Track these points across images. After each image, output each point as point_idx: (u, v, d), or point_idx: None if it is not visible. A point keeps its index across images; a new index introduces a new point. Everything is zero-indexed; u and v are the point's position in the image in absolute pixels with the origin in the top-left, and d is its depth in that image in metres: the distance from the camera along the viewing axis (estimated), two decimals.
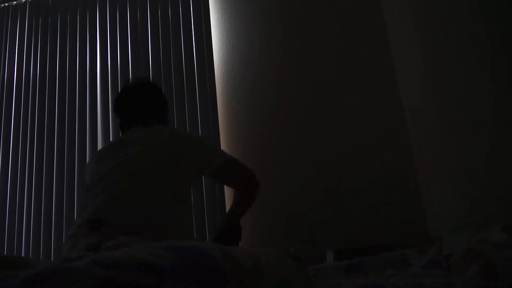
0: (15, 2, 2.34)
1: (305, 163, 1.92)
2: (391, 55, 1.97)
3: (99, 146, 2.06)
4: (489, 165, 1.15)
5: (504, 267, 0.50)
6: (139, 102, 1.31)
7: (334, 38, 2.06)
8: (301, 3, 2.11)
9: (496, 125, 1.09)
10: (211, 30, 2.12)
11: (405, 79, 1.84)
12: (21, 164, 2.10)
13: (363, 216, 1.80)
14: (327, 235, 1.73)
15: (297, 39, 2.08)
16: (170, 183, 1.09)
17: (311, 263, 1.16)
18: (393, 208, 1.79)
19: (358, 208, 1.81)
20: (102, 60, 2.17)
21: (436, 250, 0.88)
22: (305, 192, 1.87)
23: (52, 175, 2.04)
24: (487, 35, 1.10)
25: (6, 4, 2.35)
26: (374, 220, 1.78)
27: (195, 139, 1.27)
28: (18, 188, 2.06)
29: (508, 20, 1.00)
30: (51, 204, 2.00)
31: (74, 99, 2.13)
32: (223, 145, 1.98)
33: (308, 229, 1.80)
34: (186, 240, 0.65)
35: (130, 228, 0.94)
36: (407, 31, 1.75)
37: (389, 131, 1.90)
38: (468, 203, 1.30)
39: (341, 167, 1.89)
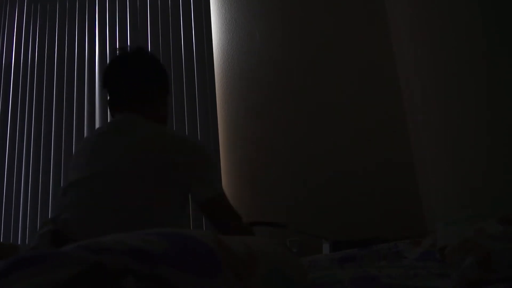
0: None
1: (303, 156, 1.91)
2: (392, 53, 1.96)
3: None
4: (487, 162, 1.15)
5: (500, 259, 0.50)
6: (133, 76, 1.04)
7: (334, 32, 2.04)
8: None
9: (494, 123, 1.09)
10: (211, 21, 2.10)
11: (406, 76, 1.83)
12: (18, 151, 2.08)
13: (361, 209, 1.80)
14: (324, 227, 1.73)
15: (297, 32, 2.06)
16: (156, 200, 0.91)
17: (307, 254, 1.16)
18: (390, 202, 1.79)
19: (355, 200, 1.82)
20: (100, 47, 2.15)
21: (430, 242, 0.88)
22: (302, 185, 1.87)
23: (49, 162, 2.04)
24: (487, 35, 1.09)
25: None
26: (371, 213, 1.79)
27: (199, 150, 1.01)
28: (15, 176, 2.05)
29: (508, 20, 0.99)
30: (48, 194, 1.99)
31: (73, 86, 2.12)
32: (221, 135, 1.98)
33: (305, 221, 1.80)
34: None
35: None
36: (408, 30, 1.74)
37: (388, 127, 1.90)
38: (465, 198, 1.31)
39: (340, 161, 1.89)
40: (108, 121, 1.98)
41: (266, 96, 2.01)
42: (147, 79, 1.07)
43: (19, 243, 1.95)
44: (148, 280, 0.38)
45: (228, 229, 1.03)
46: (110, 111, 1.10)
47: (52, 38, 2.20)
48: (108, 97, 1.09)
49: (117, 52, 1.13)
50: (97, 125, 2.06)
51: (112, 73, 1.07)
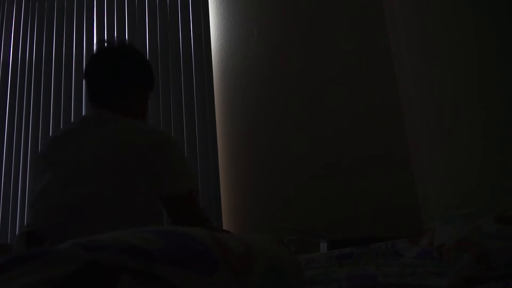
0: None
1: (301, 154, 1.91)
2: (389, 50, 1.97)
3: None
4: (483, 159, 1.15)
5: (497, 257, 0.50)
6: (111, 68, 1.02)
7: (332, 28, 2.04)
8: None
9: (490, 121, 1.10)
10: (209, 19, 2.10)
11: (403, 73, 1.83)
12: (15, 150, 2.08)
13: (358, 207, 1.80)
14: (321, 225, 1.74)
15: (295, 30, 2.06)
16: (129, 195, 0.88)
17: (304, 253, 1.16)
18: (387, 199, 1.80)
19: (353, 198, 1.82)
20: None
21: (428, 241, 0.88)
22: (300, 183, 1.88)
23: None
24: (481, 34, 1.10)
25: None
26: (369, 211, 1.79)
27: (166, 141, 0.97)
28: (13, 175, 2.03)
29: (500, 20, 1.00)
30: None
31: (70, 83, 2.11)
32: (219, 132, 1.97)
33: (302, 220, 1.80)
34: None
35: None
36: (406, 24, 1.74)
37: (385, 126, 1.90)
38: (461, 195, 1.31)
39: (339, 160, 1.89)
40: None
41: (264, 94, 2.00)
42: (126, 72, 1.04)
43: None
44: (145, 278, 0.38)
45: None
46: (90, 103, 1.06)
47: (50, 36, 2.19)
48: (88, 89, 1.06)
49: (101, 44, 1.09)
50: None
51: (92, 65, 1.05)
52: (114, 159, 0.90)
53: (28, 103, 2.12)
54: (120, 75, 1.03)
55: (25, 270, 0.32)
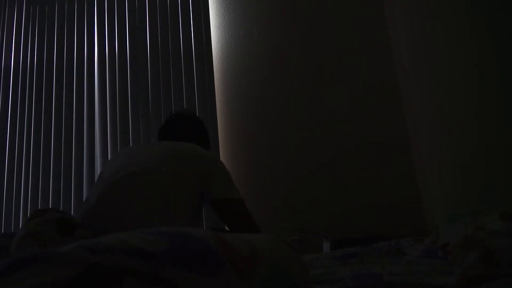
0: None
1: (301, 153, 1.91)
2: (390, 53, 1.97)
3: (97, 134, 2.05)
4: (486, 157, 1.15)
5: (504, 255, 0.49)
6: (179, 129, 1.24)
7: (332, 26, 2.04)
8: None
9: (491, 121, 1.09)
10: (209, 19, 2.10)
11: (404, 72, 1.83)
12: (18, 154, 2.08)
13: (360, 207, 1.80)
14: (323, 225, 1.73)
15: (295, 29, 2.06)
16: (176, 202, 0.95)
17: (307, 253, 1.16)
18: (390, 200, 1.80)
19: (355, 200, 1.82)
20: (99, 48, 2.14)
21: (432, 239, 0.88)
22: (301, 182, 1.87)
23: (49, 164, 2.03)
24: (487, 35, 1.10)
25: None
26: (371, 211, 1.79)
27: (220, 164, 1.11)
28: (15, 179, 2.04)
29: (509, 19, 1.00)
30: (48, 196, 1.99)
31: (72, 87, 2.11)
32: (221, 132, 1.98)
33: (303, 219, 1.80)
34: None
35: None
36: (406, 24, 1.74)
37: (387, 126, 1.90)
38: (465, 194, 1.31)
39: (340, 162, 1.89)
40: (110, 124, 2.05)
41: (264, 94, 2.01)
42: (191, 132, 1.25)
43: None
44: (149, 280, 0.37)
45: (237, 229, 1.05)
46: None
47: (51, 40, 2.19)
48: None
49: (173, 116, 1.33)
50: (96, 126, 2.05)
51: (165, 125, 1.28)
52: (171, 169, 0.99)
53: (30, 106, 2.13)
54: (187, 126, 1.26)
55: (30, 272, 0.32)
